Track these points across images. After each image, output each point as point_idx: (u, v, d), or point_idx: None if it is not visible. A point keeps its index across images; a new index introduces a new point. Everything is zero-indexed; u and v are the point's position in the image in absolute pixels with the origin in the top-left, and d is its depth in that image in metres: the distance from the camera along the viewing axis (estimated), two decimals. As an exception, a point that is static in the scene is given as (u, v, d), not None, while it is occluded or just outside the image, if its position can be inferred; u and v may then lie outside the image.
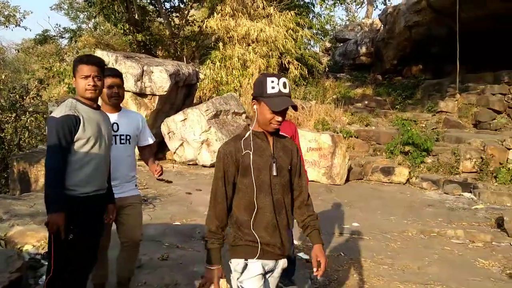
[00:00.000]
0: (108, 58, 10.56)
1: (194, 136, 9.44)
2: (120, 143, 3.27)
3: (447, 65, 15.04)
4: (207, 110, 9.67)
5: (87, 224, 2.79)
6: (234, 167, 2.20)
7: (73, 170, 2.72)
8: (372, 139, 11.38)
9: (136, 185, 3.46)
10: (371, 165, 9.76)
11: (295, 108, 2.22)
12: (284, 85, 2.19)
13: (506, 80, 12.79)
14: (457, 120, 12.29)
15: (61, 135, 2.65)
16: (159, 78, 9.60)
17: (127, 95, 10.07)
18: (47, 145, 2.72)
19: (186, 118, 9.59)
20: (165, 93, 9.69)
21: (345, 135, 11.19)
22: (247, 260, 2.22)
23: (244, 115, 10.66)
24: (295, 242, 5.24)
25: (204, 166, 9.46)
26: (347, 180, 9.23)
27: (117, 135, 3.26)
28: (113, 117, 3.24)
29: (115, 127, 3.24)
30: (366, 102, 15.92)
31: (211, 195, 2.24)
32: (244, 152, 2.19)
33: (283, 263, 2.33)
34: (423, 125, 12.25)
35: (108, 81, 3.16)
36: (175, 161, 9.86)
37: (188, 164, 9.68)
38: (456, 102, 12.79)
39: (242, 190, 2.22)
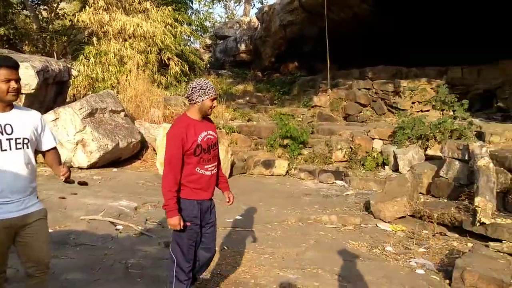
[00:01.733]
0: (-38, 52, 9.42)
1: (67, 137, 8.83)
2: (16, 148, 2.72)
3: (320, 62, 16.04)
4: (81, 108, 9.10)
5: None
6: None
7: None
8: (253, 134, 11.70)
9: (38, 197, 2.93)
10: (253, 159, 10.04)
11: None
12: None
13: (370, 76, 14.05)
14: (330, 114, 13.19)
15: None
16: (25, 75, 8.76)
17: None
18: None
19: (57, 118, 8.93)
20: (32, 91, 8.90)
21: (227, 131, 11.38)
22: None
23: (122, 113, 10.24)
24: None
25: (80, 168, 8.90)
26: (231, 174, 9.38)
27: (12, 139, 2.71)
28: (4, 117, 2.71)
29: (8, 129, 2.70)
30: (247, 98, 16.35)
31: None
32: None
33: None
34: (300, 119, 12.91)
35: (3, 73, 2.64)
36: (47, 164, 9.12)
37: (62, 167, 9.01)
38: (328, 97, 13.71)
39: None
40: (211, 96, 3.21)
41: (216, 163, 3.39)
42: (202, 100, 3.19)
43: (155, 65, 13.90)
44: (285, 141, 10.35)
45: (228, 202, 3.58)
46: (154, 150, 9.99)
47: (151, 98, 12.18)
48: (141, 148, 10.20)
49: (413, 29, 13.32)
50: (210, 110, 3.27)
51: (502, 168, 6.64)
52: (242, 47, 21.38)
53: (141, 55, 13.41)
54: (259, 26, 20.33)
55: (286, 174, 9.74)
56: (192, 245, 3.28)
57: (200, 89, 3.18)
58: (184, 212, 3.19)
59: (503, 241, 5.44)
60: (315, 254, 5.05)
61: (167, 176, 3.15)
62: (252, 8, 30.73)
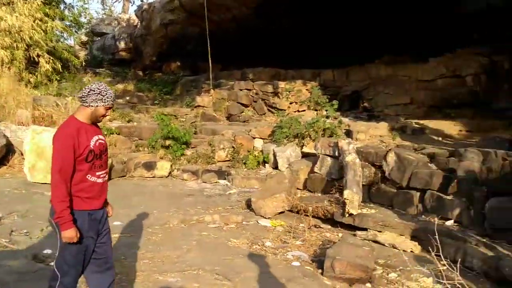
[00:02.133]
0: None
1: None
2: None
3: (203, 62, 16.09)
4: None
5: None
6: None
7: None
8: (134, 135, 11.33)
9: None
10: (133, 161, 9.71)
11: None
12: None
13: (250, 77, 14.45)
14: (213, 114, 13.30)
15: None
16: None
17: None
18: None
19: None
20: None
21: (106, 132, 10.84)
22: None
23: (-18, 115, 9.22)
24: (49, 250, 4.83)
25: None
26: (109, 178, 8.95)
27: None
28: None
29: None
30: (127, 98, 15.82)
31: None
32: None
33: None
34: (183, 119, 12.83)
35: None
36: None
37: None
38: (211, 97, 13.81)
39: None
40: (108, 104, 3.02)
41: (107, 169, 3.22)
42: (97, 106, 2.99)
43: (23, 63, 12.77)
44: (167, 142, 10.18)
45: (107, 215, 3.40)
46: (22, 154, 9.14)
47: (18, 98, 11.15)
48: (7, 152, 9.26)
49: (291, 33, 14.01)
50: (102, 118, 3.09)
51: (367, 163, 7.29)
52: (122, 45, 20.62)
53: (6, 51, 12.21)
54: (139, 24, 19.75)
55: (168, 176, 9.58)
56: (81, 259, 3.05)
57: (99, 94, 2.98)
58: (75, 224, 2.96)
59: (368, 230, 5.98)
60: (197, 255, 5.05)
61: (58, 186, 2.87)
62: (131, 5, 29.79)
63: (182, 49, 17.74)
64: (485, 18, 10.52)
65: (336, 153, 7.68)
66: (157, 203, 7.44)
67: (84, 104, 3.01)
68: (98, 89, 3.00)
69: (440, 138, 8.94)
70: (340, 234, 6.06)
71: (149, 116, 13.14)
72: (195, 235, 5.85)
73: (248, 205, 7.27)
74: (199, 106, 13.63)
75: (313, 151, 8.71)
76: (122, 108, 13.84)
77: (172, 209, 7.10)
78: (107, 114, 3.09)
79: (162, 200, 7.70)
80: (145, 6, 18.72)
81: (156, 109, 13.66)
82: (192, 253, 5.11)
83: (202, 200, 7.80)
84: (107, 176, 3.23)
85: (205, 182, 9.19)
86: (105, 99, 3.00)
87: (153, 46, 18.66)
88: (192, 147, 10.49)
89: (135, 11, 20.95)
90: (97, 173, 3.08)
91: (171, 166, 9.69)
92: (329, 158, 7.89)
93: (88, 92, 2.99)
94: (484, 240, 5.20)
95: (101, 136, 3.14)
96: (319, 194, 7.68)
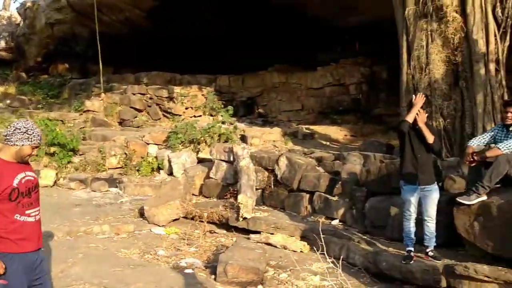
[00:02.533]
0: None
1: None
2: None
3: (93, 65, 15.35)
4: None
5: None
6: None
7: None
8: (15, 142, 10.41)
9: None
10: (13, 170, 8.92)
11: None
12: None
13: (145, 81, 14.08)
14: (104, 119, 12.69)
15: None
16: None
17: None
18: None
19: None
20: None
21: (-20, 139, 9.85)
22: None
23: None
24: None
25: None
26: (-16, 190, 8.12)
27: None
28: None
29: None
30: (8, 102, 14.61)
31: None
32: None
33: None
34: (71, 125, 12.07)
35: None
36: None
37: None
38: (102, 101, 13.18)
39: None
40: (34, 144, 2.87)
41: (39, 207, 2.99)
42: (22, 145, 2.84)
43: None
44: (52, 149, 9.53)
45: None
46: None
47: None
48: None
49: (185, 37, 13.91)
50: (27, 157, 2.92)
51: (260, 167, 7.47)
52: (2, 44, 18.98)
53: None
54: (22, 22, 18.28)
55: (54, 185, 8.97)
56: None
57: (25, 133, 2.83)
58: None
59: (261, 232, 6.12)
60: (83, 269, 4.76)
61: None
62: (13, 2, 27.44)
63: (70, 50, 16.77)
64: (364, 32, 11.42)
65: (231, 158, 7.77)
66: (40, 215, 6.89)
67: (8, 143, 2.85)
68: (25, 127, 2.85)
69: (327, 143, 9.49)
70: (235, 239, 6.12)
71: (33, 121, 12.16)
72: (82, 248, 5.53)
73: (141, 213, 7.05)
74: (88, 110, 12.92)
75: (209, 156, 8.71)
76: (1, 112, 12.67)
77: (57, 220, 6.64)
78: (33, 153, 2.93)
79: (45, 211, 7.01)
80: (29, 4, 17.36)
81: (40, 113, 12.68)
82: (78, 267, 4.81)
83: (91, 210, 7.40)
84: (39, 214, 3.01)
85: (94, 191, 8.74)
86: (31, 138, 2.86)
87: (38, 46, 17.38)
88: (80, 154, 9.94)
89: (17, 8, 19.34)
90: (27, 212, 2.88)
91: (56, 174, 9.11)
92: (224, 163, 7.95)
93: (14, 130, 2.85)
94: (365, 237, 5.61)
95: (29, 173, 2.96)
96: (215, 200, 7.70)
